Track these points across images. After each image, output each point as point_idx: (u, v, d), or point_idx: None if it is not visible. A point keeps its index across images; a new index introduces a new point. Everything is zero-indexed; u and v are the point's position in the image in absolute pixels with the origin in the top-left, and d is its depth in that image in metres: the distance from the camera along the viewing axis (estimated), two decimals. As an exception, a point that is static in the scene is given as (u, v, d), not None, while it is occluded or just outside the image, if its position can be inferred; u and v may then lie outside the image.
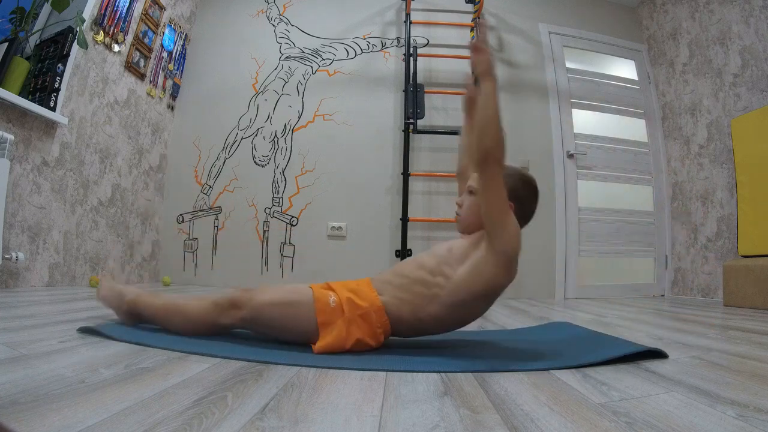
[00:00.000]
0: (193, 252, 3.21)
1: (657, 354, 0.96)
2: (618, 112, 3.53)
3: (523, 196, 1.02)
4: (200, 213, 3.23)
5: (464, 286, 0.96)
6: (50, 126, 2.23)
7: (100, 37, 2.51)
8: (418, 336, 1.07)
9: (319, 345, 0.95)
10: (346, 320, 0.96)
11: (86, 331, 1.02)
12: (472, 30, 3.41)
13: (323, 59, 3.41)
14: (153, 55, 3.02)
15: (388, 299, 0.99)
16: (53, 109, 2.16)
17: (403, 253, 2.98)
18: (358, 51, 3.43)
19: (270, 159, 3.27)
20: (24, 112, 2.07)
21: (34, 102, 2.08)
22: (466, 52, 3.42)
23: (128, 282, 2.87)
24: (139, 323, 1.14)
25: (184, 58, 3.40)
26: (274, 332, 1.03)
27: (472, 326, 1.35)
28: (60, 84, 2.20)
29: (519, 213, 0.98)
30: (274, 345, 1.00)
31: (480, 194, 0.95)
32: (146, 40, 2.92)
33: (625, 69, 3.72)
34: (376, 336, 0.99)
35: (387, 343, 1.04)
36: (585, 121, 3.52)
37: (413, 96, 3.12)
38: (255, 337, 1.10)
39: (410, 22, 3.33)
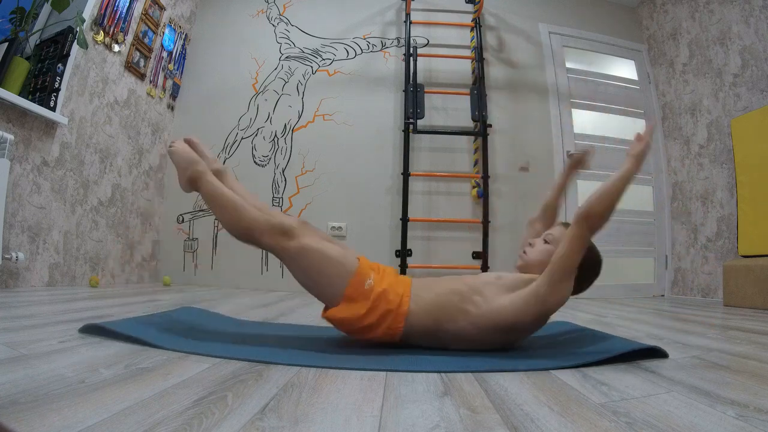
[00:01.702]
0: (193, 252, 3.21)
1: (657, 353, 0.96)
2: (618, 112, 3.53)
3: (590, 269, 1.04)
4: (200, 213, 3.23)
5: (499, 313, 0.96)
6: (50, 126, 2.23)
7: (100, 37, 2.51)
8: (428, 347, 1.03)
9: (331, 312, 0.97)
10: (368, 306, 0.96)
11: (87, 330, 1.02)
12: (471, 30, 3.42)
13: (323, 59, 3.41)
14: (153, 55, 3.02)
15: (416, 308, 0.99)
16: (53, 109, 2.16)
17: (403, 253, 2.98)
18: (358, 51, 3.43)
19: (270, 159, 3.27)
20: (24, 112, 2.07)
21: (34, 102, 2.08)
22: (466, 52, 3.43)
23: (128, 281, 2.87)
24: (194, 191, 1.14)
25: (184, 58, 3.40)
26: (300, 274, 1.03)
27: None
28: (60, 84, 2.20)
29: (577, 281, 1.00)
30: (275, 345, 1.00)
31: (563, 244, 0.95)
32: (146, 40, 2.92)
33: (625, 69, 3.72)
34: (382, 334, 0.98)
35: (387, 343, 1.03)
36: (585, 121, 3.52)
37: (413, 96, 3.12)
38: (255, 337, 1.10)
39: (410, 22, 3.33)
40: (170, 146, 1.16)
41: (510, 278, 1.02)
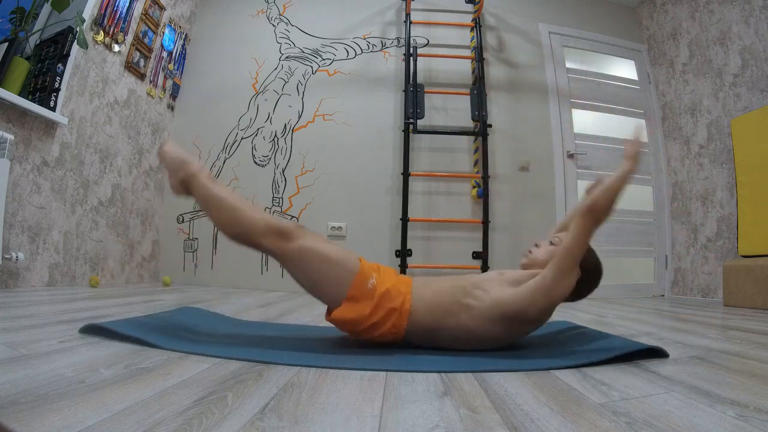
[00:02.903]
0: (193, 252, 3.21)
1: (657, 353, 0.96)
2: (618, 112, 3.53)
3: (591, 274, 1.06)
4: (200, 213, 3.23)
5: (504, 303, 0.96)
6: (50, 126, 2.23)
7: (100, 37, 2.51)
8: (428, 346, 1.03)
9: (336, 314, 0.97)
10: (372, 305, 0.97)
11: (88, 330, 1.02)
12: (471, 30, 3.42)
13: (323, 59, 3.41)
14: (153, 55, 3.02)
15: (418, 306, 0.99)
16: (53, 109, 2.16)
17: (403, 253, 2.98)
18: (358, 51, 3.43)
19: (270, 159, 3.27)
20: (24, 112, 2.07)
21: (34, 102, 2.08)
22: (466, 52, 3.43)
23: (128, 281, 2.88)
24: (185, 195, 1.12)
25: (184, 58, 3.40)
26: (301, 277, 1.02)
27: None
28: (60, 84, 2.20)
29: (577, 286, 1.02)
30: (275, 345, 1.00)
31: (568, 236, 0.98)
32: (146, 40, 2.92)
33: (625, 69, 3.72)
34: (386, 333, 0.99)
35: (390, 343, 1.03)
36: (585, 121, 3.52)
37: (413, 96, 3.12)
38: (255, 336, 1.10)
39: (410, 22, 3.33)
40: (160, 148, 1.15)
41: (513, 273, 1.03)
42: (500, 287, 0.99)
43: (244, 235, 1.02)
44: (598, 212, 0.97)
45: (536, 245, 1.12)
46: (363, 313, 0.96)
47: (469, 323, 0.98)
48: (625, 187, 1.00)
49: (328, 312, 1.03)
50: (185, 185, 1.10)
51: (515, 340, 1.05)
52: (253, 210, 1.04)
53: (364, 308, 0.97)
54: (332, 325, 1.04)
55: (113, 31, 2.60)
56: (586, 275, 1.04)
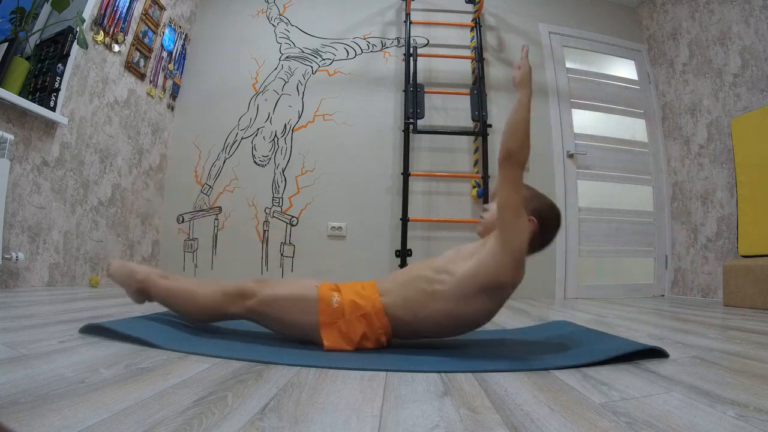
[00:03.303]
0: (193, 252, 3.21)
1: (657, 353, 0.96)
2: (618, 112, 3.54)
3: (548, 220, 1.06)
4: (200, 213, 3.23)
5: (469, 278, 0.96)
6: (50, 126, 2.23)
7: (100, 37, 2.51)
8: (418, 338, 1.07)
9: (328, 345, 0.97)
10: (347, 321, 0.98)
11: (88, 330, 1.02)
12: (471, 30, 3.42)
13: (323, 59, 3.41)
14: (153, 55, 3.02)
15: (388, 300, 1.01)
16: (53, 109, 2.16)
17: (403, 253, 2.98)
18: (358, 51, 3.43)
19: (270, 159, 3.27)
20: (24, 112, 2.07)
21: (34, 102, 2.08)
22: (466, 52, 3.43)
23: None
24: (148, 301, 1.16)
25: (184, 58, 3.40)
26: (277, 326, 1.05)
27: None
28: (60, 84, 2.20)
29: (539, 235, 1.03)
30: (274, 345, 1.00)
31: (496, 190, 0.98)
32: (146, 40, 2.92)
33: (625, 69, 3.72)
34: (378, 337, 1.00)
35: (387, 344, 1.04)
36: (585, 121, 3.52)
37: (413, 96, 3.12)
38: (255, 336, 1.10)
39: (410, 22, 3.34)
40: (107, 271, 1.20)
41: (468, 247, 1.04)
42: (462, 263, 0.99)
43: (213, 312, 1.06)
44: (515, 153, 0.95)
45: (486, 209, 1.13)
46: (346, 333, 0.98)
47: (445, 307, 0.98)
48: (528, 116, 0.97)
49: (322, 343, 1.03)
50: (143, 293, 1.14)
51: (501, 305, 1.03)
52: (210, 287, 1.08)
53: (341, 328, 0.98)
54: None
55: (113, 31, 2.60)
56: (542, 220, 1.03)
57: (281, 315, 1.01)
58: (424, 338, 1.07)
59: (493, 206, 1.09)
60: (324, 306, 0.99)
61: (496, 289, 0.98)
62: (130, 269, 1.17)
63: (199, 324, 1.11)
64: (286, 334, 1.05)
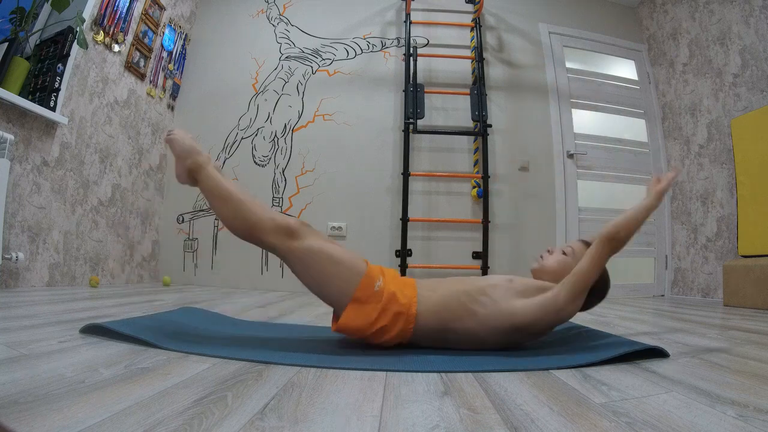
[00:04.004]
0: (193, 252, 3.21)
1: (658, 353, 0.96)
2: (618, 112, 3.54)
3: (599, 289, 1.08)
4: (200, 213, 3.23)
5: (513, 314, 0.97)
6: (50, 126, 2.23)
7: (100, 37, 2.51)
8: (434, 348, 1.03)
9: (343, 321, 0.95)
10: (379, 309, 0.96)
11: (88, 330, 1.02)
12: (471, 30, 3.42)
13: (323, 59, 3.41)
14: (153, 55, 3.02)
15: (423, 309, 0.99)
16: (53, 109, 2.16)
17: (403, 253, 2.98)
18: (358, 51, 3.43)
19: (270, 159, 3.27)
20: (24, 112, 2.07)
21: (34, 102, 2.08)
22: (466, 52, 3.43)
23: (128, 281, 2.88)
24: (191, 184, 1.10)
25: (184, 58, 3.40)
26: (308, 276, 1.00)
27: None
28: (60, 84, 2.20)
29: (586, 299, 1.05)
30: (275, 345, 1.00)
31: (585, 260, 1.00)
32: (146, 40, 2.92)
33: (625, 69, 3.72)
34: (394, 337, 0.98)
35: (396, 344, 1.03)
36: (585, 121, 3.52)
37: (413, 96, 3.12)
38: (255, 336, 1.10)
39: (410, 22, 3.33)
40: (169, 133, 1.12)
41: (521, 282, 1.04)
42: (509, 297, 0.99)
43: (249, 230, 1.01)
44: (617, 242, 1.00)
45: (548, 251, 1.14)
46: (370, 317, 0.95)
47: (476, 329, 0.99)
48: (646, 220, 1.05)
49: (335, 319, 1.02)
50: (191, 174, 1.08)
51: (518, 346, 1.06)
52: (260, 206, 1.03)
53: (370, 312, 0.96)
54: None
55: (113, 31, 2.60)
56: (596, 292, 1.06)
57: (319, 270, 0.98)
58: (440, 347, 1.03)
59: (557, 253, 1.11)
60: (366, 283, 0.97)
61: (523, 333, 1.01)
62: (193, 146, 1.08)
63: (232, 231, 1.03)
64: (312, 289, 1.01)
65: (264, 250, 3.15)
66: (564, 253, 1.10)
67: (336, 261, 0.98)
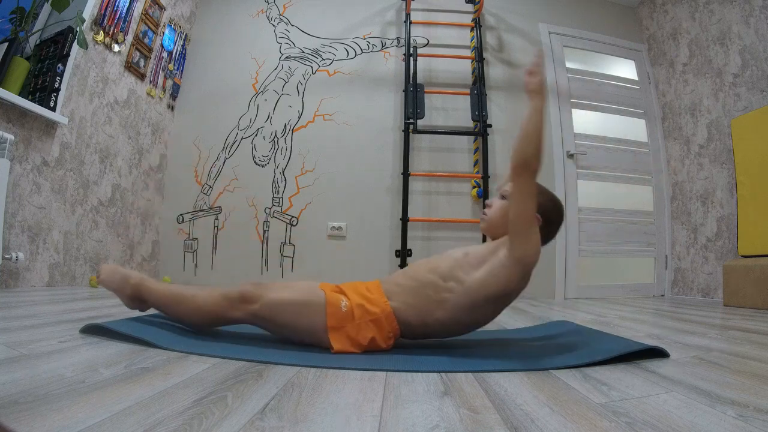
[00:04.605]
0: (193, 252, 3.21)
1: (658, 353, 0.96)
2: (618, 112, 3.53)
3: (552, 216, 1.05)
4: (200, 213, 3.23)
5: (478, 289, 0.97)
6: (50, 126, 2.23)
7: (100, 37, 2.51)
8: (425, 338, 1.07)
9: (337, 348, 0.95)
10: (356, 326, 0.96)
11: (88, 330, 1.02)
12: (471, 30, 3.42)
13: (323, 59, 3.41)
14: (153, 55, 3.02)
15: (397, 304, 1.00)
16: (53, 109, 2.16)
17: (403, 253, 2.98)
18: (358, 51, 3.43)
19: (270, 159, 3.27)
20: (24, 112, 2.07)
21: (34, 102, 2.08)
22: (466, 52, 3.43)
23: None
24: (143, 308, 1.13)
25: (184, 58, 3.40)
26: (282, 330, 1.02)
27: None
28: (60, 84, 2.20)
29: (543, 231, 1.01)
30: (275, 345, 1.00)
31: (511, 199, 0.97)
32: (146, 40, 2.92)
33: (625, 69, 3.72)
34: (386, 340, 0.99)
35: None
36: (585, 121, 3.52)
37: (413, 96, 3.12)
38: (255, 337, 1.10)
39: (410, 22, 3.34)
40: (98, 277, 1.14)
41: (476, 252, 1.02)
42: (470, 271, 0.98)
43: (212, 317, 1.03)
44: (529, 162, 0.95)
45: (488, 205, 1.11)
46: (354, 338, 0.96)
47: (452, 314, 0.98)
48: (543, 124, 0.97)
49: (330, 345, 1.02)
50: (136, 298, 1.11)
51: (504, 308, 1.04)
52: (208, 292, 1.05)
53: (351, 332, 0.96)
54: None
55: (113, 31, 2.60)
56: (546, 216, 1.02)
57: (287, 319, 0.99)
58: (430, 338, 1.07)
59: (496, 202, 1.09)
60: (333, 310, 0.97)
61: (502, 297, 1.00)
62: (123, 274, 1.12)
63: (199, 329, 1.08)
64: (291, 338, 1.03)
65: (264, 251, 3.16)
66: (502, 197, 1.08)
67: (295, 303, 0.99)
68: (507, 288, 0.97)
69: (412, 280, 1.02)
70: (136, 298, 1.11)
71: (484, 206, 1.12)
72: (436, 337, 1.06)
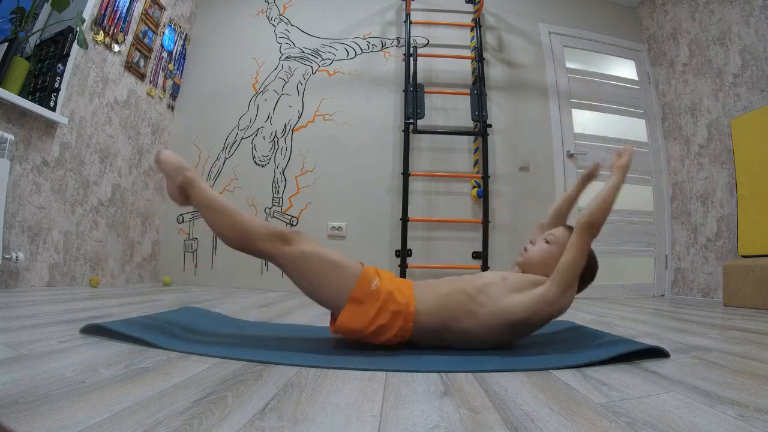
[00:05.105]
0: (193, 252, 3.21)
1: (658, 352, 0.96)
2: (618, 112, 3.53)
3: (587, 274, 1.09)
4: (200, 214, 3.23)
5: (509, 312, 0.98)
6: (50, 126, 2.23)
7: (100, 37, 2.51)
8: (433, 346, 1.04)
9: (342, 321, 0.95)
10: (377, 307, 0.96)
11: (88, 330, 1.02)
12: (471, 30, 3.42)
13: (323, 59, 3.41)
14: (153, 55, 3.02)
15: (421, 307, 1.00)
16: (53, 109, 2.16)
17: (403, 253, 2.98)
18: (358, 51, 3.43)
19: (270, 159, 3.27)
20: (24, 112, 2.07)
21: (34, 102, 2.08)
22: (466, 52, 3.43)
23: (128, 281, 2.87)
24: (184, 203, 1.11)
25: (184, 58, 3.40)
26: (302, 280, 1.01)
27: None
28: (60, 84, 2.20)
29: (578, 284, 1.05)
30: (275, 345, 1.00)
31: (568, 251, 1.02)
32: (146, 40, 2.92)
33: (625, 69, 3.72)
34: (393, 336, 0.98)
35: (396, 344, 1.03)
36: (585, 121, 3.52)
37: (413, 96, 3.12)
38: (255, 337, 1.10)
39: (410, 22, 3.33)
40: (157, 155, 1.13)
41: (515, 279, 1.04)
42: (506, 294, 1.00)
43: (244, 238, 1.02)
44: (595, 227, 1.02)
45: (531, 242, 1.14)
46: (368, 316, 0.96)
47: (475, 328, 0.99)
48: (617, 198, 1.05)
49: (332, 321, 1.03)
50: (183, 191, 1.09)
51: (516, 341, 1.08)
52: (251, 216, 1.06)
53: (368, 311, 0.96)
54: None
55: (113, 31, 2.60)
56: (584, 276, 1.06)
57: (315, 273, 0.99)
58: (441, 346, 1.04)
59: (540, 244, 1.12)
60: (363, 283, 0.98)
61: (520, 327, 1.02)
62: (181, 164, 1.10)
63: (227, 243, 1.05)
64: (306, 290, 1.02)
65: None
66: (547, 242, 1.11)
67: (331, 263, 1.00)
68: (530, 319, 1.00)
69: (445, 288, 1.04)
70: (183, 191, 1.09)
71: (530, 243, 1.16)
72: (447, 346, 1.03)
